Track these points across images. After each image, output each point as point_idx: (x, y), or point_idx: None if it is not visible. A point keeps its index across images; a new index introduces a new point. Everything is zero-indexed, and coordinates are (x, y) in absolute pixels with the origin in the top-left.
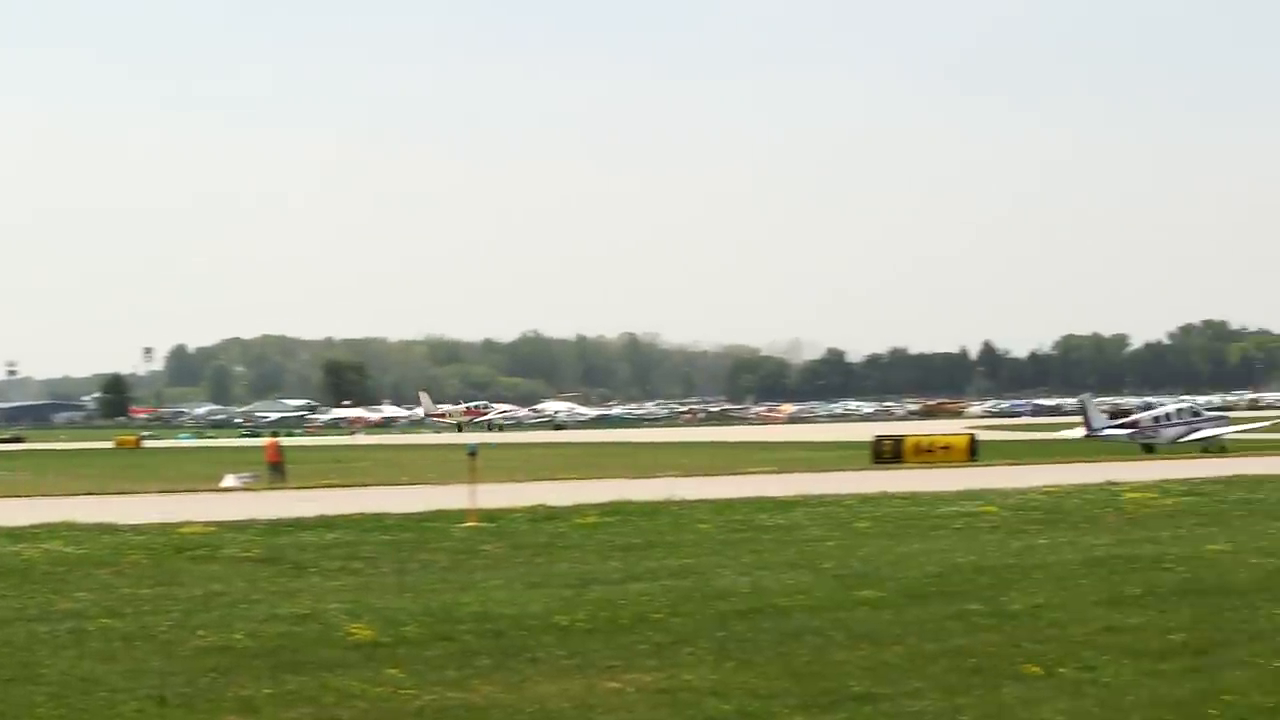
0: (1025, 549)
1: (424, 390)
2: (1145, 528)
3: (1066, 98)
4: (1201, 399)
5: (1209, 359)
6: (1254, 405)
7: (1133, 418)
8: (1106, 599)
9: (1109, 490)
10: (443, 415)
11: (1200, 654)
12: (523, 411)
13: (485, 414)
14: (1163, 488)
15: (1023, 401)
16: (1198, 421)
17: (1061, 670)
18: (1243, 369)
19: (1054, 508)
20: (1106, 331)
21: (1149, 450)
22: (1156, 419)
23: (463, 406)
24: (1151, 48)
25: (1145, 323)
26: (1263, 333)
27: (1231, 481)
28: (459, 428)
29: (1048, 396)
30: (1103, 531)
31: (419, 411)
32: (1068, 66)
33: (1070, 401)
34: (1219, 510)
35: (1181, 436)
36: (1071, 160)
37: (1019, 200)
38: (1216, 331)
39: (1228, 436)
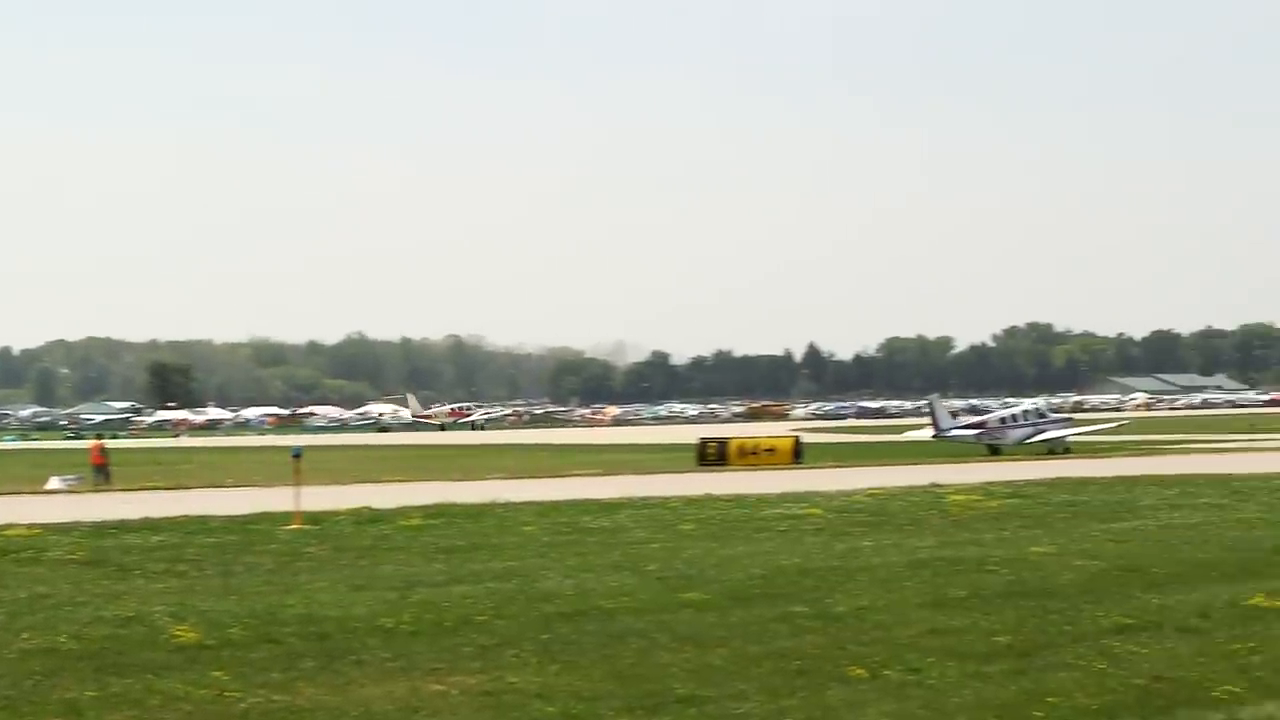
0: (850, 551)
1: (411, 393)
2: (969, 530)
3: (907, 100)
4: (1030, 402)
5: (1034, 361)
6: (1078, 408)
7: (980, 419)
8: (931, 601)
9: (933, 493)
10: (429, 416)
11: (1024, 656)
12: (505, 411)
13: (469, 414)
14: (987, 490)
15: (847, 404)
16: (1043, 423)
17: (886, 672)
18: (1067, 371)
19: (878, 510)
20: (931, 334)
21: (995, 451)
22: (1003, 420)
23: (448, 408)
24: (993, 50)
25: (970, 325)
26: (1087, 335)
27: (1055, 484)
28: (442, 428)
29: (872, 399)
30: (927, 534)
31: (406, 413)
32: (908, 69)
33: (894, 404)
34: (1043, 512)
35: (1027, 438)
36: (900, 164)
37: (844, 205)
38: (1041, 334)
39: (1071, 438)
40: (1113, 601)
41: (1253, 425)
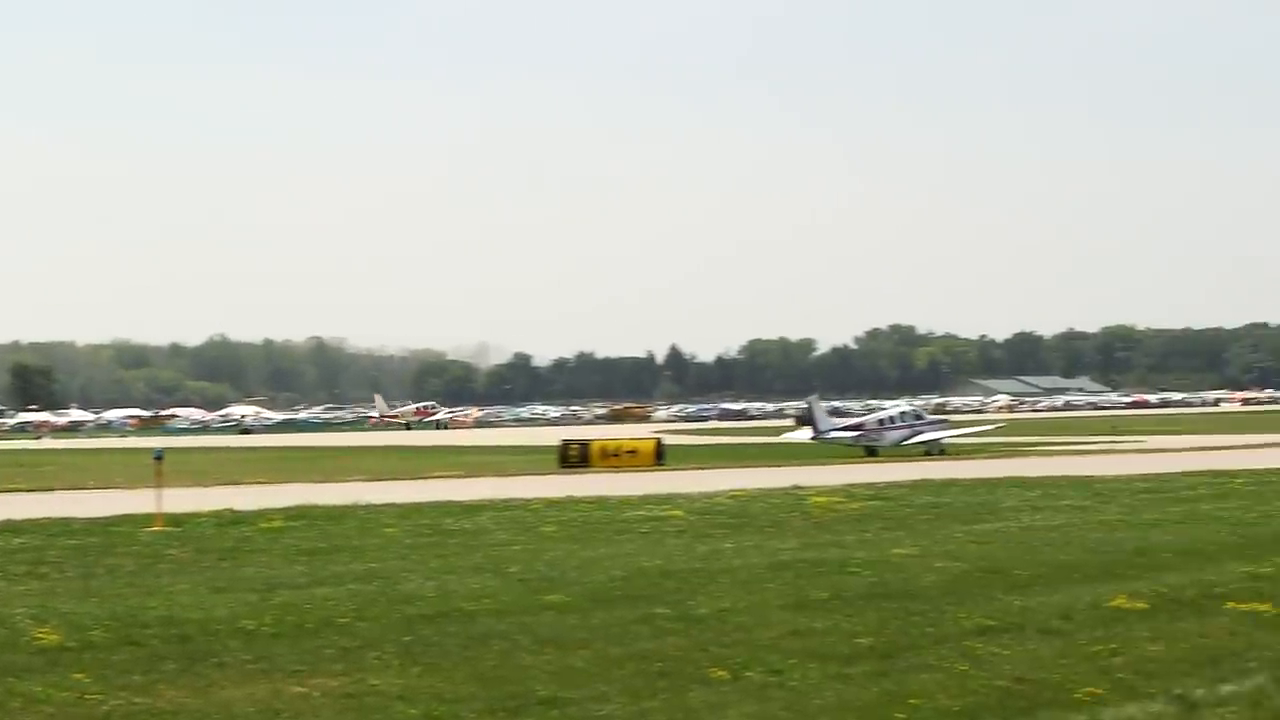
0: (711, 553)
1: (377, 393)
2: (831, 532)
3: (749, 104)
4: (906, 403)
5: (896, 363)
6: (940, 410)
7: (858, 420)
8: (793, 603)
9: (795, 495)
10: (396, 416)
11: (886, 657)
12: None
13: (434, 414)
14: (849, 492)
15: (709, 406)
16: (920, 424)
17: (748, 674)
18: (930, 373)
19: (740, 512)
20: (794, 336)
21: (871, 453)
22: (880, 421)
23: (413, 407)
24: (843, 51)
25: (832, 328)
26: (949, 337)
27: (917, 485)
28: (408, 426)
29: (734, 401)
30: (789, 536)
31: (374, 412)
32: (751, 73)
33: (756, 406)
34: (904, 514)
35: (905, 439)
36: (756, 167)
37: (706, 206)
38: (903, 336)
39: (947, 440)
40: (975, 603)
41: (1114, 428)
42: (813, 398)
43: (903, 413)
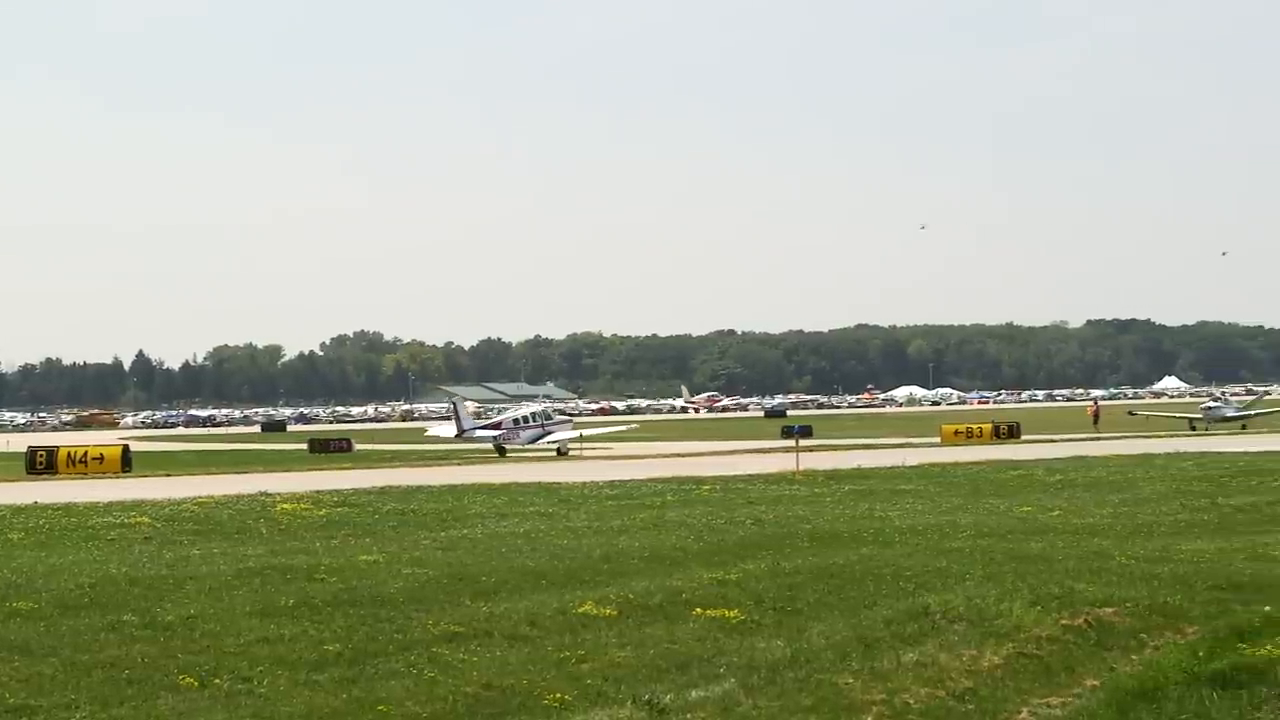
0: (179, 560)
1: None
2: (298, 539)
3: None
4: (539, 404)
5: (363, 369)
6: (407, 416)
7: (497, 419)
8: (261, 610)
9: (262, 501)
10: None
11: (354, 664)
12: None
13: None
14: (316, 499)
15: (176, 412)
16: (550, 425)
17: (216, 681)
18: (397, 379)
19: (207, 519)
20: (261, 343)
21: (501, 452)
22: (515, 421)
23: None
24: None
25: (300, 334)
26: (416, 343)
27: (383, 492)
28: None
29: (202, 407)
30: (256, 542)
31: None
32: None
33: (224, 413)
34: (371, 521)
35: (537, 439)
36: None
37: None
38: (370, 342)
39: (569, 441)
40: (442, 610)
41: (582, 436)
42: (456, 398)
43: (534, 413)
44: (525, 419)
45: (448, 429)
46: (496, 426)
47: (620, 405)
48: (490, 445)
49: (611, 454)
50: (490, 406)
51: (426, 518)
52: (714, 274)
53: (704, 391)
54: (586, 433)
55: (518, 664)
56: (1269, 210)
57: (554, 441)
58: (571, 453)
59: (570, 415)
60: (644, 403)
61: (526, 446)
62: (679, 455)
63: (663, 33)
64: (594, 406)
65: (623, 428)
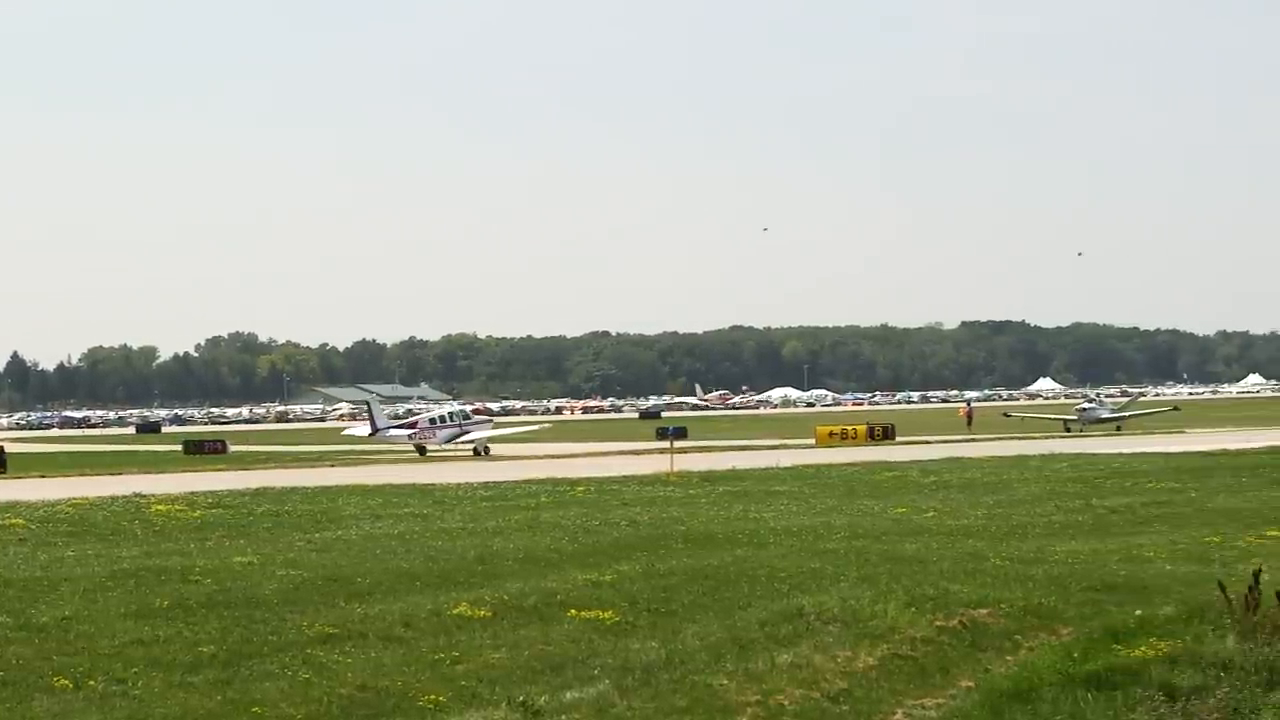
0: (53, 561)
1: None
2: (173, 540)
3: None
4: (457, 404)
5: (238, 371)
6: (283, 418)
7: (413, 419)
8: (135, 612)
9: (137, 502)
10: None
11: (229, 666)
12: None
13: None
14: (190, 500)
15: (51, 414)
16: (468, 424)
17: (91, 683)
18: (272, 381)
19: (81, 520)
20: (135, 344)
21: (421, 452)
22: (432, 421)
23: None
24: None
25: (175, 335)
26: (291, 345)
27: (258, 494)
28: None
29: (77, 409)
30: (130, 544)
31: None
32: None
33: (98, 414)
34: (246, 522)
35: (454, 438)
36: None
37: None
38: (245, 344)
39: (485, 438)
40: (317, 611)
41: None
42: (372, 398)
43: (451, 413)
44: (442, 419)
45: (363, 429)
46: (412, 426)
47: (495, 406)
48: (405, 445)
49: (495, 455)
50: (358, 407)
51: (301, 519)
52: (588, 275)
53: (581, 394)
54: (501, 433)
55: (393, 665)
56: (1143, 211)
57: (470, 441)
58: (493, 451)
59: (491, 415)
60: (518, 404)
61: (443, 446)
62: (553, 456)
63: (519, 33)
64: (469, 408)
65: (534, 428)
